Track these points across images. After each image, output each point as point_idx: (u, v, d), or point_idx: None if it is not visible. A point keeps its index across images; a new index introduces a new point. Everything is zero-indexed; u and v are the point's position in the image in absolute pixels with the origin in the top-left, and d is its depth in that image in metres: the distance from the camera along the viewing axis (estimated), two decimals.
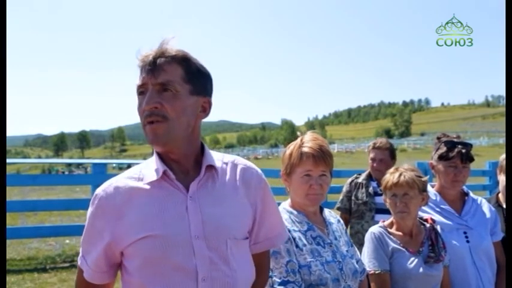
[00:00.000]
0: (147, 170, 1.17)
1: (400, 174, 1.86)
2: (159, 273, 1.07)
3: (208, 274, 1.08)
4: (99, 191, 1.15)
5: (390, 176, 1.89)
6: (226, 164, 1.24)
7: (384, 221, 1.97)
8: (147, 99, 1.08)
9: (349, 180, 3.39)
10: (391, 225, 1.94)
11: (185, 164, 1.16)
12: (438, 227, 1.96)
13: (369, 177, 3.28)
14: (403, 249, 1.85)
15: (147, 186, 1.12)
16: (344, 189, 3.37)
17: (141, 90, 1.12)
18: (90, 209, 1.15)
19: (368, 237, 1.91)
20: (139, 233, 1.07)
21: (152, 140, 1.10)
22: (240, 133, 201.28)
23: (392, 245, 1.85)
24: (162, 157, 1.16)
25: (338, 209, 3.29)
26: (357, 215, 3.19)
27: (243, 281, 1.16)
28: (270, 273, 1.42)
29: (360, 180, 3.31)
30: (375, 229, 1.92)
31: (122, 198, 1.12)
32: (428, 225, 1.92)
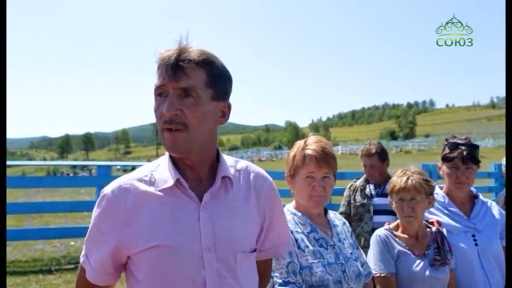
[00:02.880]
0: (158, 174, 1.11)
1: (408, 178, 1.85)
2: (168, 283, 1.04)
3: (216, 287, 1.06)
4: (107, 191, 1.10)
5: (397, 180, 1.88)
6: (239, 171, 1.20)
7: (389, 224, 1.96)
8: (167, 105, 1.02)
9: (349, 185, 3.48)
10: (396, 227, 1.93)
11: (200, 171, 1.12)
12: (444, 230, 1.95)
13: (366, 180, 3.37)
14: (409, 252, 1.84)
15: (159, 193, 1.08)
16: (344, 194, 3.46)
17: (160, 92, 1.06)
18: (96, 210, 1.11)
19: (374, 240, 1.90)
20: (150, 241, 1.04)
21: (171, 148, 1.06)
22: (244, 135, 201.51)
23: (398, 247, 1.84)
24: (175, 161, 1.11)
25: (341, 214, 3.28)
26: (356, 218, 3.25)
27: None
28: (272, 274, 1.43)
29: (357, 183, 3.40)
30: (380, 232, 1.91)
31: (131, 203, 1.07)
32: (434, 228, 1.91)
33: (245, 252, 1.14)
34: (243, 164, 1.24)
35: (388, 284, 1.79)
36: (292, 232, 1.51)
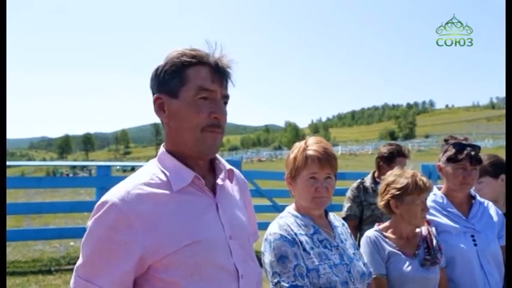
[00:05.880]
0: (163, 174, 1.11)
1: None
2: (206, 277, 1.06)
3: (244, 271, 1.14)
4: (114, 199, 1.02)
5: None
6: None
7: (379, 225, 1.96)
8: (221, 110, 1.11)
9: (354, 185, 3.28)
10: (386, 228, 1.93)
11: (204, 168, 1.19)
12: (433, 229, 1.95)
13: (374, 180, 3.22)
14: (399, 253, 1.83)
15: (173, 193, 1.08)
16: (350, 195, 3.23)
17: (206, 96, 1.09)
18: (102, 222, 1.01)
19: (364, 241, 1.89)
20: (184, 240, 1.04)
21: (211, 149, 1.13)
22: (244, 135, 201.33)
23: (388, 248, 1.84)
24: (180, 161, 1.14)
25: (348, 216, 3.14)
26: (371, 220, 3.04)
27: (261, 274, 1.26)
28: (278, 278, 1.41)
29: (367, 184, 3.24)
30: (370, 233, 1.91)
31: (148, 207, 1.03)
32: (423, 227, 1.91)
33: (251, 235, 1.29)
34: (226, 163, 1.31)
35: (379, 285, 1.78)
36: (296, 234, 1.49)
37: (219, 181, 1.19)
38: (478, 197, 2.15)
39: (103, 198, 1.04)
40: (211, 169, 1.22)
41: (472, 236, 1.99)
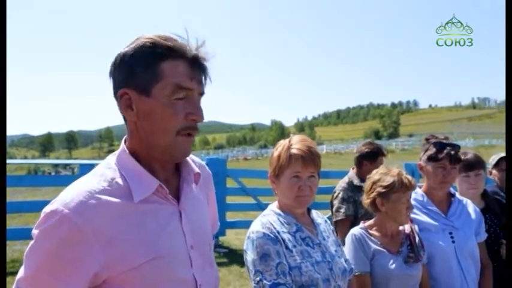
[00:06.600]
0: (122, 180, 0.99)
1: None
2: None
3: (202, 280, 1.09)
4: (66, 211, 0.89)
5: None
6: (194, 162, 1.20)
7: (364, 222, 1.98)
8: (199, 111, 1.01)
9: (344, 186, 3.24)
10: (371, 226, 1.95)
11: (168, 171, 1.10)
12: (416, 227, 1.98)
13: (361, 179, 3.15)
14: (384, 250, 1.86)
15: (134, 203, 0.97)
16: (343, 196, 3.18)
17: (183, 96, 0.98)
18: (50, 236, 0.89)
19: (349, 239, 1.91)
20: (144, 256, 0.95)
21: (185, 153, 1.04)
22: (230, 134, 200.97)
23: (373, 246, 1.86)
24: (142, 164, 1.02)
25: (347, 217, 3.08)
26: (366, 218, 3.02)
27: (218, 277, 1.21)
28: (260, 276, 1.41)
29: (356, 182, 3.21)
30: (355, 231, 1.93)
31: (105, 219, 0.92)
32: (406, 225, 1.94)
33: (211, 240, 1.20)
34: (192, 156, 1.21)
35: (362, 282, 1.80)
36: (278, 232, 1.49)
37: (184, 186, 1.09)
38: (458, 195, 2.19)
39: (53, 206, 0.91)
40: (177, 170, 1.13)
41: (451, 233, 2.02)
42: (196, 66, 1.00)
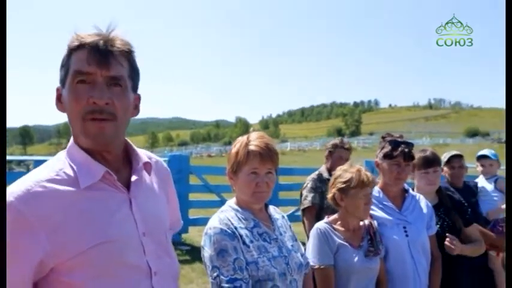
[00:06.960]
0: (71, 169, 1.03)
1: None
2: (114, 277, 1.01)
3: (158, 268, 1.10)
4: (11, 199, 0.92)
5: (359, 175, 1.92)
6: (150, 158, 1.23)
7: (328, 217, 2.03)
8: (99, 93, 0.99)
9: (314, 177, 3.45)
10: (335, 221, 2.00)
11: (117, 162, 1.12)
12: (375, 222, 2.06)
13: (330, 173, 3.32)
14: (347, 244, 1.92)
15: (81, 190, 1.01)
16: (311, 186, 3.38)
17: (82, 79, 1.00)
18: None
19: (314, 232, 1.95)
20: (91, 241, 0.97)
21: (97, 138, 1.02)
22: (194, 130, 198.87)
23: (337, 240, 1.91)
24: (91, 155, 1.05)
25: (313, 204, 3.27)
26: (331, 210, 3.16)
27: (178, 268, 1.24)
28: (217, 272, 1.42)
29: (325, 175, 3.40)
30: (320, 225, 1.97)
31: (50, 207, 0.95)
32: (366, 220, 2.01)
33: (169, 230, 1.25)
34: (147, 152, 1.27)
35: (326, 275, 1.85)
36: (236, 228, 1.50)
37: (133, 177, 1.11)
38: (411, 191, 2.28)
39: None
40: (129, 162, 1.16)
41: (404, 227, 2.11)
42: (97, 51, 1.01)
